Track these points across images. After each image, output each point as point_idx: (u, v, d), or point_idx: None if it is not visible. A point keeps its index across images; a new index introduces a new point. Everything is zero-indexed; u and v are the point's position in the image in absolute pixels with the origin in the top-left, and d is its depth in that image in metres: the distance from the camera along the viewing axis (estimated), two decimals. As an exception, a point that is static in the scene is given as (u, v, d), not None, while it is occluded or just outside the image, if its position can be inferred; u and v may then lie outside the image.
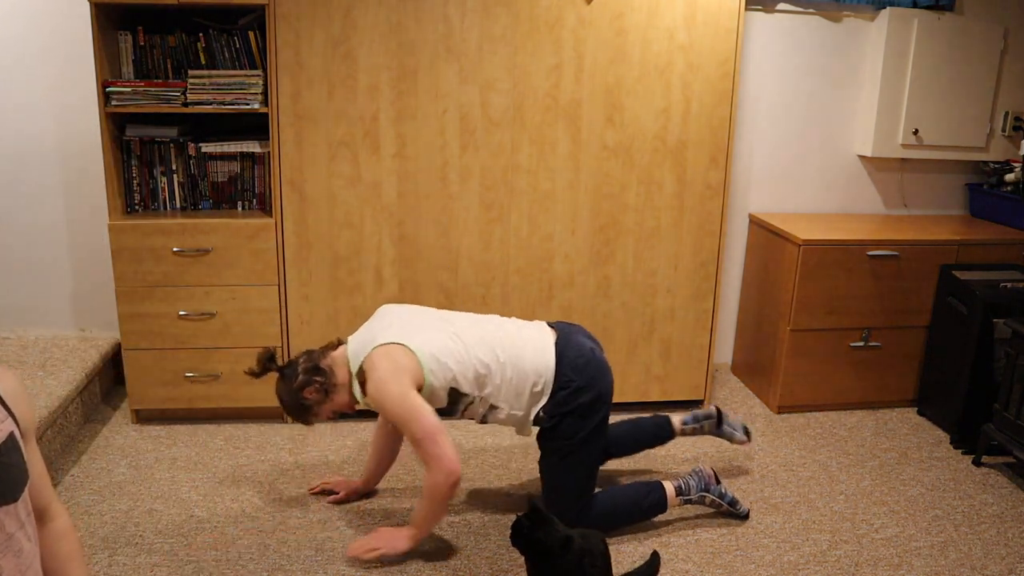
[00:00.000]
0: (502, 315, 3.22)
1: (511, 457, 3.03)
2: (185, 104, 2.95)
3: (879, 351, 3.47)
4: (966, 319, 3.20)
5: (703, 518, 2.67)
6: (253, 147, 3.12)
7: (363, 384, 2.35)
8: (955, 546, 2.56)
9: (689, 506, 2.69)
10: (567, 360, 2.39)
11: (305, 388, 2.39)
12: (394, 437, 2.68)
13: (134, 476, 2.82)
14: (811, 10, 3.58)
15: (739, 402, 3.59)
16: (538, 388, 2.38)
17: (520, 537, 2.09)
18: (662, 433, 2.82)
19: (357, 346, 2.40)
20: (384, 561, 2.38)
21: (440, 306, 3.19)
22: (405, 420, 2.24)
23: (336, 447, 3.07)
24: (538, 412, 2.40)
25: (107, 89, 2.90)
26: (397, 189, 3.08)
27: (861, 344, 3.44)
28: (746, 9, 3.49)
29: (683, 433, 2.83)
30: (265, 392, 3.19)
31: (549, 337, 2.45)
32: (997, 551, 2.54)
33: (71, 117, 3.28)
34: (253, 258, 3.05)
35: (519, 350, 2.39)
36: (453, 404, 2.40)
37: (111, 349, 3.41)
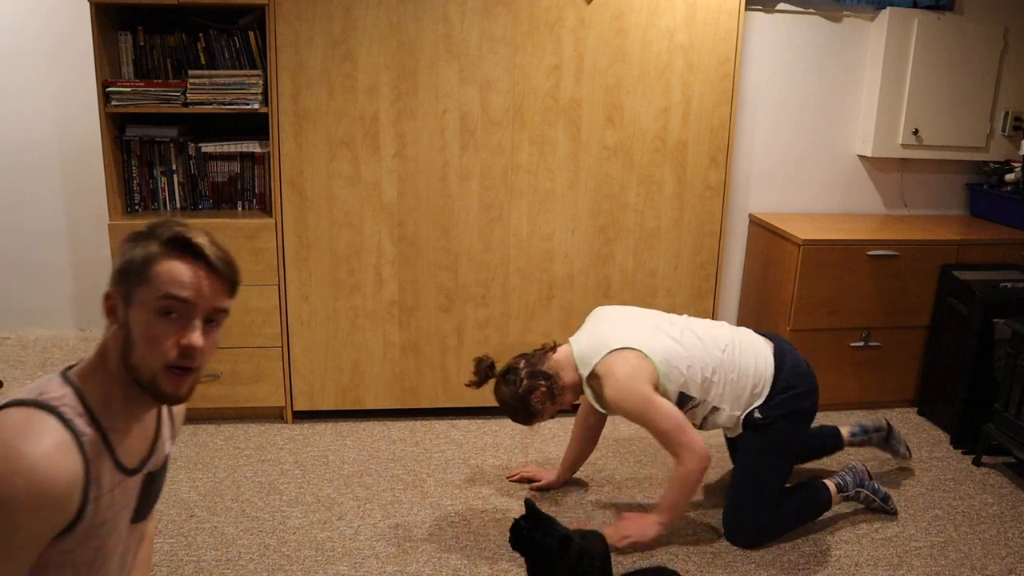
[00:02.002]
0: (503, 315, 3.23)
1: (511, 457, 3.03)
2: (185, 104, 2.95)
3: (879, 351, 3.47)
4: (966, 319, 3.19)
5: (701, 518, 2.67)
6: (253, 147, 3.12)
7: (592, 385, 2.43)
8: (955, 546, 2.56)
9: (844, 503, 2.73)
10: (788, 366, 2.48)
11: (532, 393, 2.42)
12: (592, 434, 2.76)
13: (134, 476, 2.82)
14: (811, 10, 3.58)
15: (739, 402, 3.59)
16: (758, 390, 2.46)
17: (519, 539, 2.10)
18: (831, 443, 2.90)
19: (585, 349, 2.45)
20: (381, 557, 2.39)
21: (440, 306, 3.19)
22: (651, 418, 2.33)
23: (336, 447, 3.07)
24: (753, 411, 2.45)
25: (107, 89, 2.90)
26: (397, 189, 3.08)
27: (861, 344, 3.44)
28: (746, 9, 3.48)
29: (851, 444, 2.91)
30: (265, 392, 3.19)
31: (764, 343, 2.54)
32: (997, 551, 2.54)
33: (71, 117, 3.28)
34: (253, 258, 3.05)
35: (740, 353, 2.47)
36: (680, 407, 2.45)
37: (111, 349, 3.41)
